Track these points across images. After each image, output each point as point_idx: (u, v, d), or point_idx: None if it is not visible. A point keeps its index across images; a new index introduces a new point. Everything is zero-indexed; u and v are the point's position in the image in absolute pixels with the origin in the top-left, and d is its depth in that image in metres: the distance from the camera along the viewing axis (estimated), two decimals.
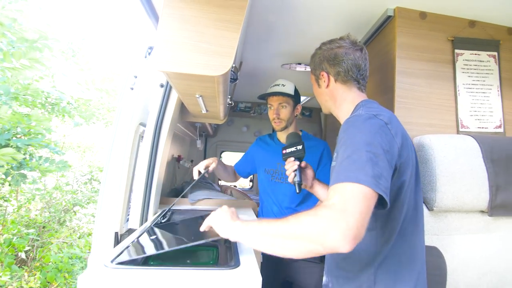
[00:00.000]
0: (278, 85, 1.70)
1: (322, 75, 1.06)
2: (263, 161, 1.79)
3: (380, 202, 0.73)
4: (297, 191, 1.09)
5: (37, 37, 2.54)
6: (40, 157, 2.81)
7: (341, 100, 1.04)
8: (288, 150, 1.14)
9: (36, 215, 3.81)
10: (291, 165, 1.11)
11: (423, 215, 0.94)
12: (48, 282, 3.16)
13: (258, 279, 0.83)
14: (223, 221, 0.90)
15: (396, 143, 0.82)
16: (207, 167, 1.61)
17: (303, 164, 1.14)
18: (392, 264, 0.86)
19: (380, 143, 0.76)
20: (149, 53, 1.59)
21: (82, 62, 3.19)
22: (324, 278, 1.05)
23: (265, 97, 1.72)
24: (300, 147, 1.12)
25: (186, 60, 0.88)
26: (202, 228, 0.98)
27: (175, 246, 0.96)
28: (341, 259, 0.95)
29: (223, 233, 0.88)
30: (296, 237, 0.68)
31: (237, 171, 1.89)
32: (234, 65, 1.21)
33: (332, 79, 1.05)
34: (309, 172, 1.18)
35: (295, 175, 1.09)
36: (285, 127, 1.70)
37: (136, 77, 1.57)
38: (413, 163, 0.89)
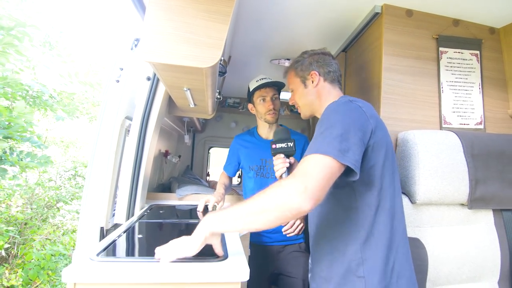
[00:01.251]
0: (265, 78, 1.70)
1: (312, 75, 1.14)
2: (247, 158, 1.77)
3: (351, 173, 0.81)
4: None
5: (13, 24, 2.41)
6: (21, 151, 2.71)
7: (326, 97, 1.13)
8: (278, 146, 1.13)
9: (17, 211, 3.69)
10: (281, 162, 1.12)
11: (401, 199, 0.98)
12: (30, 280, 3.08)
13: (246, 271, 0.83)
14: (184, 242, 0.85)
15: (370, 123, 0.89)
16: (214, 205, 1.62)
17: (292, 160, 1.16)
18: (374, 241, 0.90)
19: (353, 121, 0.85)
20: (136, 45, 1.55)
21: (64, 54, 3.08)
22: (310, 262, 1.09)
23: (257, 89, 1.70)
24: (291, 144, 1.12)
25: (173, 51, 0.87)
26: (163, 263, 0.83)
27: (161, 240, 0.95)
28: (327, 241, 0.98)
29: (200, 236, 0.83)
30: (265, 210, 0.75)
31: (228, 173, 1.88)
32: (222, 58, 1.20)
33: (321, 78, 1.14)
34: (295, 167, 1.20)
35: (284, 173, 1.11)
36: (278, 118, 1.71)
37: (122, 69, 1.54)
38: (388, 146, 0.94)
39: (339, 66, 1.17)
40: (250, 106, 1.78)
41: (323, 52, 1.18)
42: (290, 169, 1.15)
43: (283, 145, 1.13)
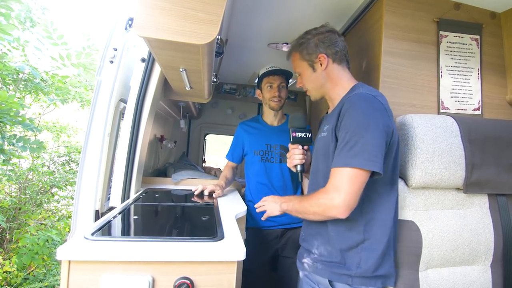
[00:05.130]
0: (274, 66, 1.76)
1: (320, 58, 1.09)
2: (252, 143, 1.81)
3: (375, 174, 0.90)
4: (300, 180, 1.18)
5: None
6: (14, 135, 2.65)
7: (338, 80, 1.10)
8: (298, 135, 1.15)
9: (11, 196, 3.65)
10: (299, 153, 1.16)
11: (397, 186, 1.06)
12: (25, 264, 3.07)
13: (242, 250, 0.83)
14: (272, 205, 1.17)
15: (392, 122, 0.94)
16: (211, 193, 1.64)
17: (305, 147, 1.20)
18: (376, 224, 0.99)
19: (378, 125, 0.89)
20: (130, 25, 1.52)
21: (55, 36, 2.98)
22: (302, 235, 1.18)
23: (265, 75, 1.75)
24: (310, 135, 1.17)
25: (169, 26, 0.84)
26: (259, 210, 1.23)
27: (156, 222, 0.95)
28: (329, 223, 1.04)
29: (275, 212, 1.15)
30: (315, 213, 0.96)
31: (233, 161, 1.90)
32: (219, 37, 1.17)
33: (330, 60, 1.09)
34: (308, 159, 1.24)
35: (299, 164, 1.15)
36: (282, 106, 1.78)
37: (116, 49, 1.49)
38: (398, 138, 1.02)
39: (345, 43, 1.13)
40: (258, 92, 1.83)
41: (328, 30, 1.12)
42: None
43: (303, 134, 1.15)
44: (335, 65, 1.10)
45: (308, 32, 1.15)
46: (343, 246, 0.99)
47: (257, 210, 1.22)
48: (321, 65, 1.09)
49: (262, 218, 1.22)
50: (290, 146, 1.19)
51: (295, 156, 1.16)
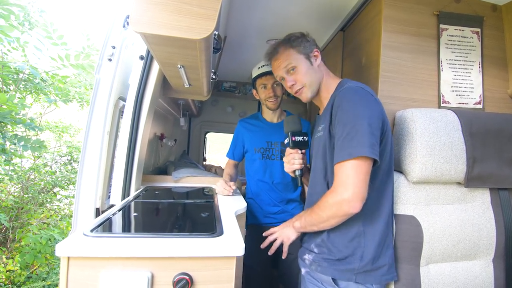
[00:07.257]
0: (267, 65, 1.71)
1: (315, 52, 1.14)
2: (252, 141, 1.80)
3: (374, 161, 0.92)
4: (299, 184, 1.17)
5: None
6: (15, 135, 2.65)
7: (329, 76, 1.16)
8: (298, 139, 1.16)
9: (13, 196, 3.67)
10: (299, 158, 1.16)
11: (393, 177, 1.08)
12: (28, 263, 3.09)
13: (241, 246, 0.83)
14: (285, 230, 1.15)
15: (383, 111, 0.97)
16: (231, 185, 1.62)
17: (303, 151, 1.21)
18: (375, 218, 1.00)
19: (373, 114, 0.91)
20: (128, 23, 1.51)
21: (55, 36, 2.98)
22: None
23: (258, 77, 1.73)
24: (306, 138, 1.17)
25: (165, 21, 0.83)
26: (275, 243, 1.18)
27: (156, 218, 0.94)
28: None
29: (292, 236, 1.14)
30: (329, 218, 0.94)
31: (233, 159, 1.89)
32: (217, 33, 1.16)
33: (320, 57, 1.16)
34: (304, 162, 1.25)
35: (298, 169, 1.16)
36: (280, 104, 1.75)
37: (114, 47, 1.49)
38: (391, 130, 1.04)
39: None
40: (254, 92, 1.81)
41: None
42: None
43: (301, 138, 1.16)
44: (322, 63, 1.17)
45: (293, 33, 1.19)
46: (344, 241, 0.99)
47: (273, 247, 1.19)
48: (316, 59, 1.14)
49: (283, 256, 1.20)
50: (289, 150, 1.18)
51: (295, 161, 1.16)
